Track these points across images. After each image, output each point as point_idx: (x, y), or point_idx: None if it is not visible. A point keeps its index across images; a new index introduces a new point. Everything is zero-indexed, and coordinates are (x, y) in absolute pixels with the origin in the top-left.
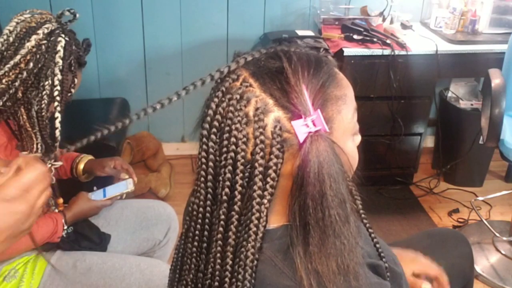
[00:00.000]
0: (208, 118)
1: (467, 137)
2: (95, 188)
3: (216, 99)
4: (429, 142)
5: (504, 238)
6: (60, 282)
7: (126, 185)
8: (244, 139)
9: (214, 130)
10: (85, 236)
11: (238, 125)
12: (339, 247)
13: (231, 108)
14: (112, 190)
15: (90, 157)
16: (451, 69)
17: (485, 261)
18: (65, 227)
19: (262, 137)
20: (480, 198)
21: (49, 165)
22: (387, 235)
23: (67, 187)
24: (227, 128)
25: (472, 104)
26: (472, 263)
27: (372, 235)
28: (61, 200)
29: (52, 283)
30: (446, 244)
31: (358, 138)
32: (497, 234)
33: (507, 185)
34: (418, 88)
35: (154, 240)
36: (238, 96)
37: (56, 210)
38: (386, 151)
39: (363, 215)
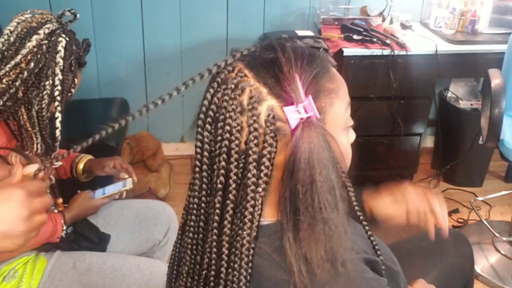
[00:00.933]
0: (203, 108)
1: (467, 137)
2: (98, 188)
3: (211, 90)
4: (428, 142)
5: (504, 238)
6: (59, 282)
7: (125, 183)
8: (238, 128)
9: (209, 119)
10: (85, 236)
11: (232, 114)
12: (327, 233)
13: (226, 98)
14: (112, 190)
15: (90, 157)
16: (451, 69)
17: (484, 261)
18: (64, 228)
19: (255, 125)
20: (480, 198)
21: (49, 165)
22: (387, 235)
23: (67, 187)
24: (221, 117)
25: (471, 104)
26: (472, 263)
27: (369, 232)
28: (60, 200)
29: (51, 283)
30: (446, 245)
31: (352, 135)
32: (497, 234)
33: (506, 185)
34: (417, 88)
35: (153, 240)
36: (233, 86)
37: (56, 211)
38: (386, 151)
39: (358, 213)
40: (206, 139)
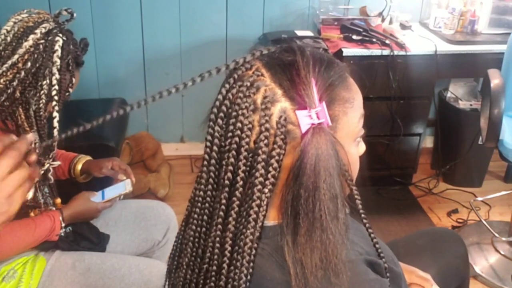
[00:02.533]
0: (217, 103)
1: (466, 137)
2: (97, 190)
3: (227, 85)
4: (428, 142)
5: (503, 239)
6: (59, 283)
7: (124, 186)
8: (250, 126)
9: (221, 114)
10: (84, 236)
11: (245, 111)
12: (324, 241)
13: (240, 95)
14: (111, 192)
15: (88, 157)
16: (450, 70)
17: (484, 262)
18: (63, 225)
19: (267, 125)
20: (479, 199)
21: (47, 165)
22: (386, 236)
23: (65, 188)
24: (234, 114)
25: (471, 105)
26: (467, 262)
27: (372, 235)
28: (58, 200)
29: (51, 284)
30: (441, 244)
31: (362, 147)
32: (496, 235)
33: (506, 186)
34: (417, 88)
35: (153, 241)
36: (248, 84)
37: (54, 209)
38: (385, 151)
39: (363, 215)
40: (217, 134)
